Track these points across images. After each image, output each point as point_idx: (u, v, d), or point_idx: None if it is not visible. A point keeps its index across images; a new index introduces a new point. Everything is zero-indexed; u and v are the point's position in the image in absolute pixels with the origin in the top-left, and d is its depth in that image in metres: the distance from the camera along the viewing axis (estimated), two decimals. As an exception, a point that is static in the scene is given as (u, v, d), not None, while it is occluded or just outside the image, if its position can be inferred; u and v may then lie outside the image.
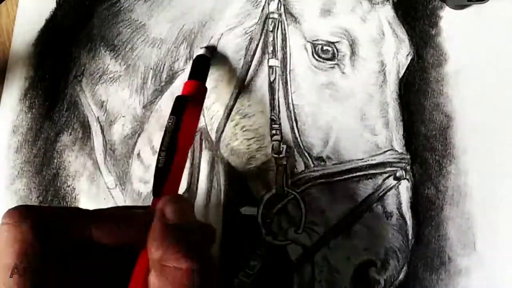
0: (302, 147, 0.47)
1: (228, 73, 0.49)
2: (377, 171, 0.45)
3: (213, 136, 0.50)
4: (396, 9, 0.49)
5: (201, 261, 0.30)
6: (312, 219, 0.46)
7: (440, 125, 0.48)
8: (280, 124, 0.47)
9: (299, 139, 0.47)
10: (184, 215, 0.32)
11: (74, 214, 0.32)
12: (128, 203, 0.52)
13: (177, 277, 0.29)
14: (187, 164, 0.53)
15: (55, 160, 0.55)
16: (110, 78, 0.54)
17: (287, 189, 0.47)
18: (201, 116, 0.52)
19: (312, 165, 0.46)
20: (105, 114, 0.54)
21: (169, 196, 0.33)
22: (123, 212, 0.36)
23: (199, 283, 0.29)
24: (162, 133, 0.41)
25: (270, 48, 0.48)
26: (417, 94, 0.49)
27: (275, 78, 0.47)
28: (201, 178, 0.52)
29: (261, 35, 0.48)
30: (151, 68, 0.52)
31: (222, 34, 0.50)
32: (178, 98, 0.43)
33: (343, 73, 0.47)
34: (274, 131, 0.47)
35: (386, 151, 0.46)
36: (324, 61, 0.47)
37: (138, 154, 0.52)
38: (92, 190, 0.53)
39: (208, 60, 0.48)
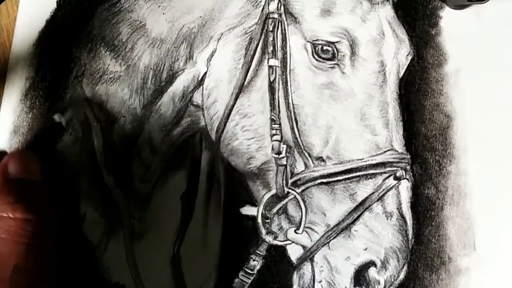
0: (302, 147, 0.47)
1: (228, 73, 0.49)
2: (377, 171, 0.45)
3: (213, 136, 0.50)
4: (396, 9, 0.49)
5: (38, 212, 0.34)
6: (312, 219, 0.46)
7: (440, 125, 0.48)
8: (280, 124, 0.47)
9: (299, 139, 0.47)
10: (26, 170, 0.36)
11: None
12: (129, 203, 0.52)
13: (12, 226, 0.33)
14: (187, 165, 0.53)
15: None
16: (110, 78, 0.54)
17: (287, 189, 0.47)
18: (201, 116, 0.52)
19: (312, 165, 0.46)
20: (105, 114, 0.54)
21: (13, 152, 0.36)
22: None
23: (35, 232, 0.33)
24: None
25: (270, 48, 0.48)
26: (417, 94, 0.49)
27: (275, 78, 0.47)
28: (201, 178, 0.53)
29: (261, 35, 0.48)
30: (151, 68, 0.52)
31: (222, 34, 0.50)
32: None
33: (343, 73, 0.47)
34: (274, 131, 0.47)
35: (386, 151, 0.46)
36: (324, 61, 0.46)
37: (138, 154, 0.52)
38: (92, 190, 0.53)
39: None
